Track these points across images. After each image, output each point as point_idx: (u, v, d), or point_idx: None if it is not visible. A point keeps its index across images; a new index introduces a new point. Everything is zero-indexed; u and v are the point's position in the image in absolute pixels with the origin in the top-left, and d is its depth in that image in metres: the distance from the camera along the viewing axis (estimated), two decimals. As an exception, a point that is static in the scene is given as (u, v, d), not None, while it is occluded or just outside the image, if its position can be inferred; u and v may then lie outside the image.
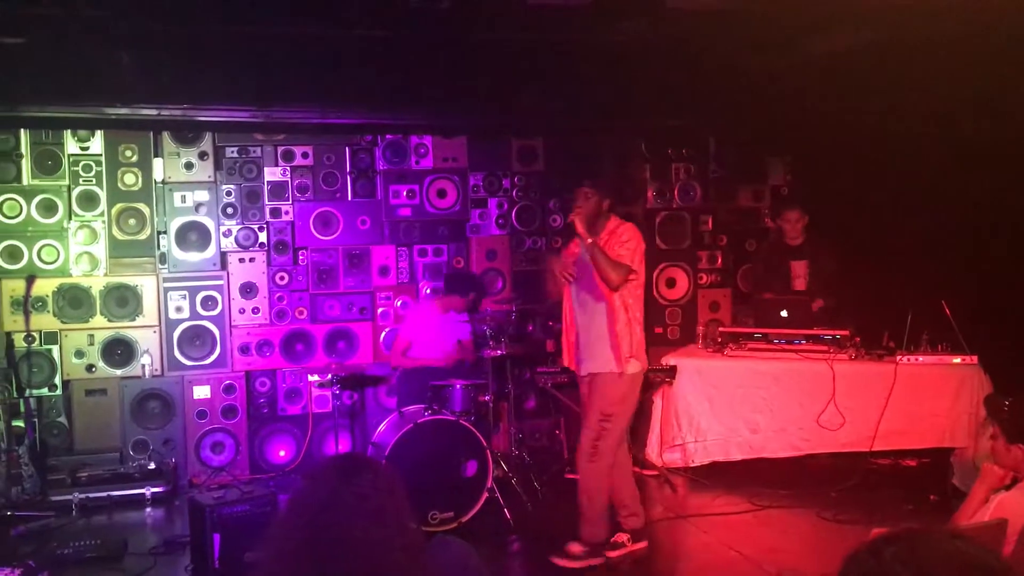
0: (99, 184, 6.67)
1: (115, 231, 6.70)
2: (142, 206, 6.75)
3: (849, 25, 4.71)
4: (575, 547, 4.87)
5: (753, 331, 6.62)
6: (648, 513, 5.80)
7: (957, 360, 6.05)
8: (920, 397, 6.04)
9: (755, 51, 5.18)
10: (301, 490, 1.92)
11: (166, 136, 6.80)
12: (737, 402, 6.31)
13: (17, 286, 6.46)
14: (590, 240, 4.79)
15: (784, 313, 6.55)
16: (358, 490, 1.86)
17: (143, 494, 6.16)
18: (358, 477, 1.89)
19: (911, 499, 5.71)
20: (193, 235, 6.87)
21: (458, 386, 5.84)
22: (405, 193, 7.28)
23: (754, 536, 5.28)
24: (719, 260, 8.01)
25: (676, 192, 7.89)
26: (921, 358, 6.08)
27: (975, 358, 6.02)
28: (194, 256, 6.87)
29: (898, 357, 6.08)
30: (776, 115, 6.89)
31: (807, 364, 6.21)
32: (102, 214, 6.68)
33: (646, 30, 4.63)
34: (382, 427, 5.84)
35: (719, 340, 6.74)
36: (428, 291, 7.27)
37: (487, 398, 6.01)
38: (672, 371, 6.37)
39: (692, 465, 6.38)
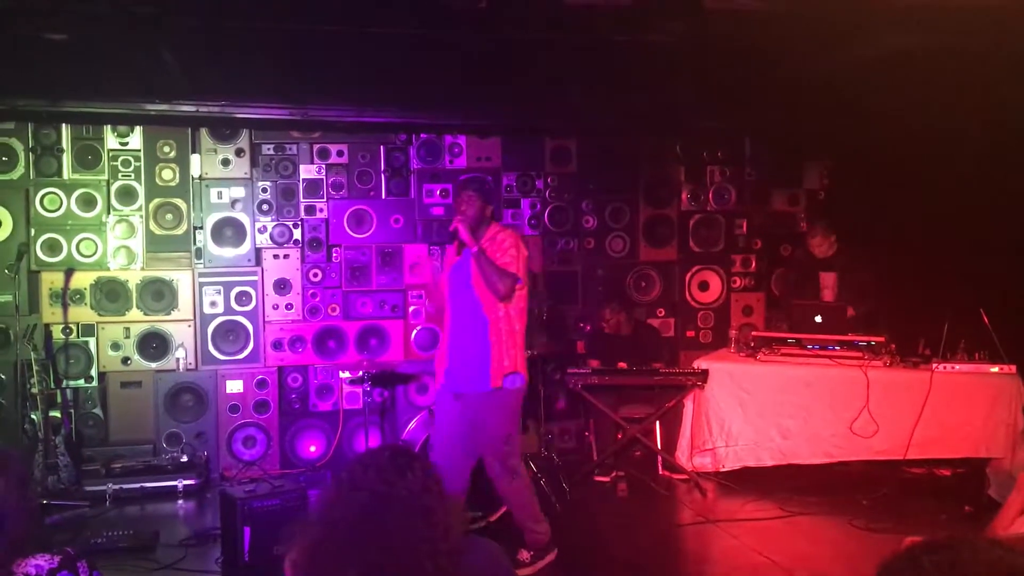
0: (137, 179, 6.76)
1: (152, 226, 6.78)
2: (179, 201, 6.82)
3: (893, 29, 4.64)
4: (523, 554, 4.83)
5: (786, 336, 6.55)
6: (677, 517, 5.80)
7: (995, 369, 5.94)
8: (956, 406, 5.94)
9: (795, 54, 5.12)
10: (350, 479, 1.87)
11: (204, 133, 6.87)
12: (769, 407, 6.25)
13: (56, 278, 6.57)
14: (476, 248, 4.56)
15: (818, 318, 6.48)
16: (411, 485, 1.83)
17: (175, 486, 6.23)
18: (411, 472, 1.86)
19: (945, 509, 5.63)
20: (228, 231, 6.94)
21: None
22: (438, 192, 7.30)
23: (784, 542, 5.23)
24: (753, 264, 7.95)
25: (711, 195, 7.85)
26: (958, 366, 5.99)
27: (1013, 367, 5.91)
28: (229, 252, 6.93)
29: (934, 365, 5.99)
30: (815, 118, 6.82)
31: (841, 370, 6.14)
32: (140, 209, 6.77)
33: (684, 31, 4.60)
34: (412, 424, 5.86)
35: (752, 344, 6.69)
36: None
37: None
38: (704, 375, 6.33)
39: (722, 470, 6.33)
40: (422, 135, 7.28)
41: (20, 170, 6.58)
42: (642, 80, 5.80)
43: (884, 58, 5.07)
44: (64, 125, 6.63)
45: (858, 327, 6.49)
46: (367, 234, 7.17)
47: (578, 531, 5.47)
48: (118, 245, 6.73)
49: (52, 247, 6.61)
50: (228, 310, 6.86)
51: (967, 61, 5.07)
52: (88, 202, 6.67)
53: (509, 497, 4.86)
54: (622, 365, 6.56)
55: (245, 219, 6.95)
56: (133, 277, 6.71)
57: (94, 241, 6.69)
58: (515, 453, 4.77)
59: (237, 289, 6.88)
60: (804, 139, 7.74)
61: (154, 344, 6.76)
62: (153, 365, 6.75)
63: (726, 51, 5.05)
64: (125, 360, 6.70)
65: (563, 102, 6.48)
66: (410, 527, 1.80)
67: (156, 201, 6.78)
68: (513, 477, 4.74)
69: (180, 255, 6.87)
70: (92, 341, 6.64)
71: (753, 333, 6.95)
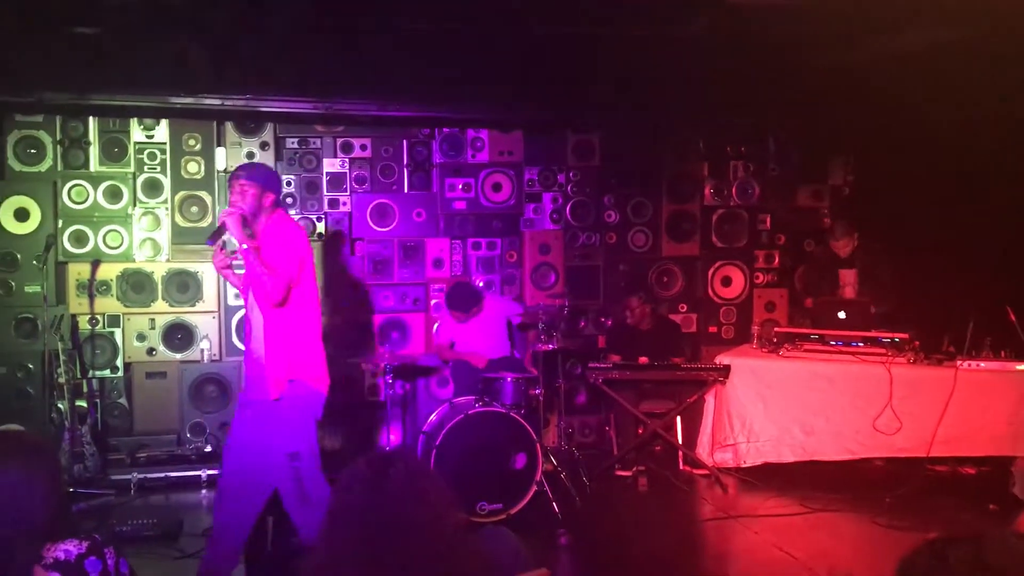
0: (163, 172, 6.81)
1: (178, 218, 6.83)
2: (204, 194, 6.87)
3: (917, 23, 4.61)
4: None
5: (809, 332, 6.52)
6: (698, 512, 5.79)
7: (1021, 367, 5.89)
8: (981, 403, 5.89)
9: (819, 48, 5.10)
10: (348, 505, 1.90)
11: (229, 126, 6.92)
12: (791, 403, 6.22)
13: (83, 270, 6.64)
14: (245, 245, 4.10)
15: (842, 315, 6.44)
16: (397, 480, 1.86)
17: (199, 476, 6.29)
18: (394, 468, 1.88)
19: (969, 507, 5.57)
20: (253, 224, 6.97)
21: (509, 379, 5.85)
22: (460, 186, 7.31)
23: (805, 539, 5.20)
24: (776, 260, 7.92)
25: (734, 190, 7.81)
26: (983, 364, 5.93)
27: (1040, 365, 5.86)
28: (253, 244, 6.96)
29: (958, 362, 5.93)
30: (839, 113, 6.77)
31: (864, 367, 6.10)
32: (165, 201, 6.82)
33: (708, 26, 4.59)
34: (432, 417, 5.88)
35: (774, 340, 6.65)
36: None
37: (538, 392, 6.01)
38: (726, 370, 6.31)
39: (744, 466, 6.30)
40: (444, 129, 7.29)
41: (48, 162, 6.66)
42: (666, 75, 5.79)
43: (909, 52, 5.04)
44: (91, 118, 6.71)
45: (880, 325, 6.44)
46: (389, 228, 7.19)
47: (598, 526, 5.48)
48: (144, 237, 6.79)
49: (79, 239, 6.68)
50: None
51: (993, 55, 5.02)
52: (115, 194, 6.74)
53: (299, 527, 4.24)
54: (643, 360, 6.55)
55: (269, 212, 6.97)
56: (159, 269, 6.77)
57: (120, 233, 6.75)
58: (309, 476, 4.17)
59: (261, 281, 6.91)
60: (828, 134, 7.69)
61: (179, 335, 6.82)
62: (178, 356, 6.81)
63: (749, 45, 5.04)
64: (150, 351, 6.76)
65: (586, 96, 6.46)
66: (419, 521, 1.82)
67: (181, 194, 6.83)
68: (303, 503, 4.14)
69: (205, 247, 6.91)
70: (118, 332, 6.71)
71: (776, 329, 6.93)
